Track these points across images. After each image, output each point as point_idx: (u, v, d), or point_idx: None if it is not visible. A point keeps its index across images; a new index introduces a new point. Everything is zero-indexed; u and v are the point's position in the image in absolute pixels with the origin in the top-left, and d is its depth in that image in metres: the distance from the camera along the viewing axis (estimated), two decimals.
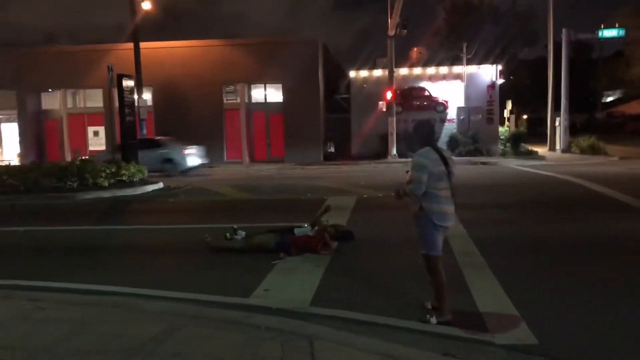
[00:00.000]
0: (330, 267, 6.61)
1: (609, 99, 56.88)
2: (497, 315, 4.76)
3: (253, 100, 28.27)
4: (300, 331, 4.39)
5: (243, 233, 8.02)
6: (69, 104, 28.75)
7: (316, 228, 7.71)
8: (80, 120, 28.26)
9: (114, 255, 7.97)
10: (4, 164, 23.06)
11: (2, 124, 29.27)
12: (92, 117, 27.94)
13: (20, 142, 28.02)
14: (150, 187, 15.58)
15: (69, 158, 26.19)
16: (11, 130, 28.88)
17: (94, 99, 28.12)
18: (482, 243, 7.43)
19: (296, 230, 7.78)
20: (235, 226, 8.20)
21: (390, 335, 4.40)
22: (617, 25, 26.86)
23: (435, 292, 4.78)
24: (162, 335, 4.35)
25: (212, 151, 26.35)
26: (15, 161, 26.15)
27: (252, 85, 28.16)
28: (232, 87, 27.85)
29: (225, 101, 27.81)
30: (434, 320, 4.64)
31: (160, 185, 16.18)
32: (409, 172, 4.75)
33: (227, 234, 8.00)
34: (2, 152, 29.04)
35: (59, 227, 10.18)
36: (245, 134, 27.44)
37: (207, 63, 26.93)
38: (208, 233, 8.17)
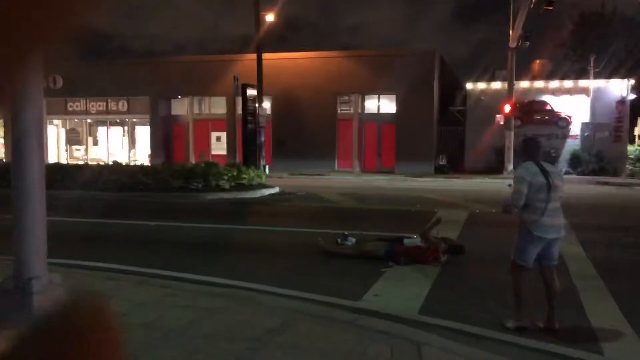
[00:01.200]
0: (439, 279, 6.69)
1: None
2: (614, 339, 4.62)
3: (366, 111, 28.63)
4: (408, 336, 4.55)
5: (353, 239, 8.30)
6: (195, 110, 30.83)
7: (427, 240, 7.81)
8: (205, 125, 30.21)
9: (235, 252, 8.59)
10: (137, 163, 25.29)
11: (136, 127, 32.00)
12: (215, 123, 29.75)
13: (151, 144, 30.46)
14: (267, 191, 16.40)
15: (193, 160, 28.08)
16: (143, 133, 31.48)
17: (218, 106, 29.93)
18: (602, 266, 7.13)
19: (406, 241, 7.93)
20: (346, 232, 8.50)
21: (496, 348, 4.45)
22: None
23: (514, 298, 5.00)
24: (280, 328, 4.72)
25: (324, 160, 27.09)
26: (146, 161, 28.50)
27: (366, 96, 28.54)
28: (346, 98, 28.41)
29: (339, 111, 28.42)
30: (509, 324, 4.87)
31: (277, 189, 16.96)
32: (511, 186, 4.98)
33: (338, 239, 8.31)
34: (135, 152, 31.72)
35: (185, 224, 11.10)
36: (357, 144, 27.86)
37: (322, 73, 27.70)
38: (320, 237, 8.53)
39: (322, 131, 27.44)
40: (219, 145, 29.95)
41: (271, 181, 18.42)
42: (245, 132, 17.86)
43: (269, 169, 22.75)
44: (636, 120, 30.53)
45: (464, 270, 7.25)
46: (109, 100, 30.97)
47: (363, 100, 28.59)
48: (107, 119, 31.74)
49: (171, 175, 15.67)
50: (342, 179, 23.51)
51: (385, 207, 14.02)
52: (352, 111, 28.23)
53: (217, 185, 15.61)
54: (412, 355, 4.12)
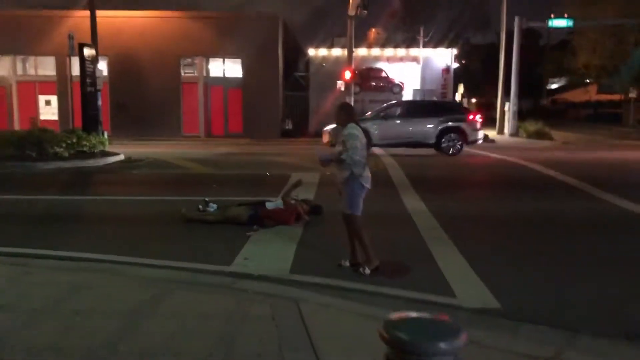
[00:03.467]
0: (303, 239, 7.00)
1: (554, 86, 59.06)
2: (462, 283, 5.27)
3: (211, 75, 28.07)
4: (285, 294, 4.77)
5: (215, 206, 8.29)
6: (19, 71, 27.77)
7: (287, 201, 8.08)
8: (31, 88, 27.36)
9: (90, 224, 8.13)
10: None
11: None
12: (44, 86, 27.11)
13: None
14: (111, 159, 15.51)
15: (17, 127, 25.41)
16: None
17: (46, 67, 27.26)
18: (443, 219, 7.98)
19: (268, 204, 8.10)
20: (207, 199, 8.45)
21: (364, 299, 4.85)
22: (565, 15, 28.00)
23: (362, 245, 5.59)
24: (156, 298, 4.66)
25: (169, 125, 26.16)
26: None
27: (211, 60, 27.92)
28: (190, 60, 27.57)
29: (183, 74, 27.51)
30: (367, 270, 5.49)
31: (122, 157, 16.11)
32: (342, 143, 5.46)
33: (200, 206, 8.24)
34: None
35: (24, 197, 10.15)
36: (203, 109, 27.30)
37: (164, 34, 26.50)
38: (179, 205, 8.39)
39: (166, 95, 26.41)
40: (48, 110, 27.38)
41: (114, 148, 17.42)
42: (84, 95, 16.57)
43: (108, 136, 21.43)
44: (457, 86, 33.70)
45: (324, 229, 7.64)
46: None
47: (208, 64, 27.94)
48: None
49: None
50: (189, 144, 22.96)
51: (240, 172, 14.07)
52: (196, 74, 27.49)
53: (54, 154, 14.38)
54: (293, 312, 4.34)
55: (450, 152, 17.66)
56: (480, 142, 18.71)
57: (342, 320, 4.29)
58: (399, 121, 18.18)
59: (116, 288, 4.96)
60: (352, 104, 25.83)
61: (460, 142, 17.76)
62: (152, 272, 5.49)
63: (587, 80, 34.21)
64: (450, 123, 17.73)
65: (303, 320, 4.16)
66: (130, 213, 8.85)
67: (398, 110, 18.68)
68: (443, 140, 17.66)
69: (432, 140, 17.73)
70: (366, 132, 5.62)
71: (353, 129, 5.50)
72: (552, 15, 27.58)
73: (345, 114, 5.71)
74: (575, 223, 8.24)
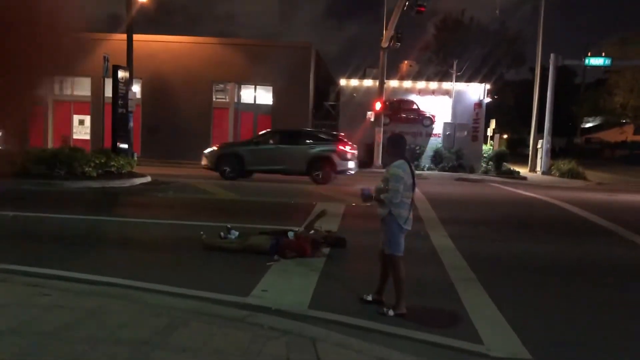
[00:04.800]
0: (324, 271, 6.78)
1: (588, 125, 58.09)
2: (490, 328, 4.97)
3: (242, 101, 28.35)
4: (302, 332, 4.54)
5: (236, 233, 8.15)
6: (56, 91, 28.45)
7: (299, 234, 7.88)
8: (67, 107, 27.99)
9: (110, 246, 8.04)
10: None
11: None
12: (79, 106, 27.71)
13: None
14: (138, 180, 15.58)
15: (51, 145, 25.92)
16: None
17: (81, 88, 27.89)
18: (471, 258, 7.67)
19: (289, 234, 7.94)
20: (229, 225, 8.32)
21: (385, 341, 4.59)
22: (602, 54, 27.59)
23: (396, 288, 5.31)
24: (168, 329, 4.47)
25: (199, 149, 26.31)
26: None
27: (242, 86, 28.24)
28: (222, 86, 27.92)
29: (214, 99, 27.85)
30: (391, 312, 5.20)
31: (149, 178, 16.18)
32: (383, 181, 5.31)
33: (221, 233, 8.11)
34: None
35: (50, 215, 10.17)
36: (232, 134, 27.49)
37: (198, 60, 26.96)
38: (202, 231, 8.27)
39: (197, 119, 26.71)
40: (82, 129, 27.95)
41: (142, 170, 17.54)
42: (115, 116, 16.79)
43: (137, 157, 21.66)
44: (489, 121, 33.31)
45: (347, 263, 7.42)
46: None
47: (239, 90, 28.25)
48: None
49: (30, 160, 14.26)
50: None
51: (264, 199, 13.95)
52: (227, 100, 27.79)
53: (83, 173, 14.51)
54: (309, 352, 4.11)
55: (321, 180, 17.56)
56: (352, 172, 18.40)
57: None
58: (272, 148, 18.15)
59: (130, 315, 4.79)
60: (381, 134, 25.76)
61: (329, 172, 17.67)
62: (168, 300, 5.32)
63: (624, 121, 33.48)
64: (320, 152, 17.76)
65: None
66: (152, 237, 8.76)
67: (272, 138, 18.56)
68: (313, 169, 17.64)
69: (303, 168, 17.75)
70: (413, 172, 5.33)
71: (399, 168, 5.24)
72: (590, 54, 27.18)
73: (396, 147, 5.47)
74: (613, 272, 7.82)
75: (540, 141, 29.38)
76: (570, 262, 8.16)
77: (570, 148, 46.75)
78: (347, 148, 18.23)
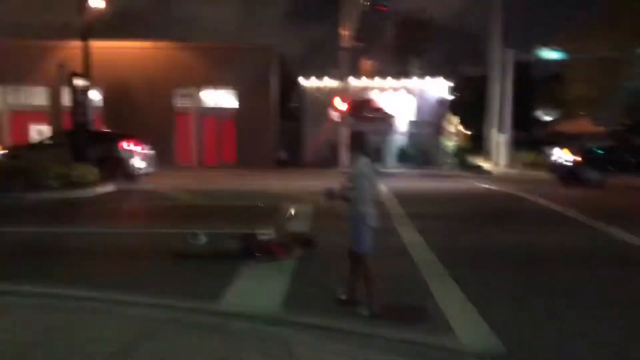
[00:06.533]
0: (296, 273, 6.72)
1: (546, 117, 59.44)
2: (465, 323, 4.98)
3: (205, 105, 28.04)
4: (277, 336, 4.48)
5: (205, 238, 8.00)
6: (11, 100, 27.63)
7: (280, 234, 7.82)
8: (23, 117, 27.16)
9: (74, 258, 7.77)
10: None
11: None
12: (36, 115, 26.91)
13: None
14: (101, 189, 15.20)
15: None
16: None
17: (38, 97, 27.14)
18: (442, 252, 7.71)
19: (259, 236, 7.84)
20: (197, 231, 8.17)
21: (362, 342, 4.56)
22: (557, 47, 28.23)
23: (367, 286, 5.24)
24: (140, 340, 4.34)
25: (162, 155, 25.88)
26: None
27: (205, 90, 27.92)
28: (183, 91, 27.55)
29: (176, 104, 27.48)
30: (366, 312, 5.16)
31: (112, 187, 15.81)
32: (349, 179, 5.28)
33: (190, 239, 7.95)
34: None
35: (8, 228, 9.81)
36: (197, 139, 27.18)
37: (159, 65, 26.58)
38: (169, 238, 8.11)
39: (159, 125, 26.26)
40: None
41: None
42: (75, 125, 16.34)
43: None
44: (452, 118, 33.71)
45: (319, 263, 7.37)
46: None
47: (201, 94, 27.95)
48: None
49: None
50: (182, 174, 22.69)
51: (232, 203, 13.79)
52: (190, 105, 27.46)
53: (43, 184, 14.06)
54: (285, 356, 4.05)
55: (109, 180, 16.14)
56: (142, 172, 17.59)
57: None
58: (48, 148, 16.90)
59: (99, 329, 4.63)
60: (345, 134, 25.80)
61: (117, 171, 16.59)
62: (137, 311, 5.17)
63: (581, 113, 34.39)
64: (105, 152, 16.82)
65: None
66: (117, 246, 8.53)
67: (59, 139, 17.50)
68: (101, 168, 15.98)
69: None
70: (376, 170, 5.33)
71: (364, 166, 5.23)
72: (545, 48, 27.81)
73: (358, 145, 5.44)
74: (580, 258, 7.97)
75: (501, 135, 29.93)
76: (539, 251, 8.30)
77: (530, 141, 47.78)
78: (132, 146, 17.27)
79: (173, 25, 29.90)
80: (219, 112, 27.73)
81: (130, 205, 13.42)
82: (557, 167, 19.44)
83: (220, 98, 28.17)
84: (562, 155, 19.16)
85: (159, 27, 29.31)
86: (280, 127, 28.84)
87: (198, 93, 27.67)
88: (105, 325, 4.72)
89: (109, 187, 15.74)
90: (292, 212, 8.55)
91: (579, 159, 18.28)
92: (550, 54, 27.96)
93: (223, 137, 27.58)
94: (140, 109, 26.16)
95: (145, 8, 32.12)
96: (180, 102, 27.61)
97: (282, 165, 27.05)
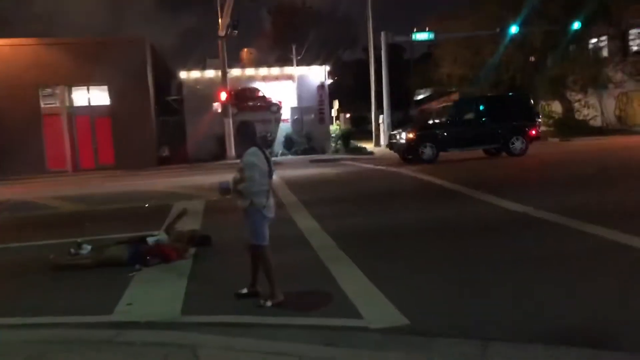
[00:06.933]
0: (193, 273, 6.47)
1: (420, 97, 62.46)
2: (367, 302, 5.05)
3: (76, 104, 26.25)
4: (179, 341, 4.25)
5: (89, 247, 7.45)
6: None
7: (172, 234, 7.49)
8: None
9: None
10: None
11: None
12: None
13: None
14: None
15: None
16: None
17: None
18: (338, 236, 7.79)
19: (149, 239, 7.45)
20: (79, 240, 7.60)
21: (268, 334, 4.46)
22: (427, 29, 29.65)
23: (268, 278, 5.19)
24: None
25: (31, 161, 23.95)
26: None
27: (74, 88, 26.13)
28: (50, 90, 25.58)
29: (42, 105, 25.47)
30: (269, 303, 5.08)
31: None
32: (238, 171, 5.16)
33: (72, 250, 7.36)
34: None
35: None
36: (69, 141, 25.39)
37: (20, 64, 24.45)
38: (49, 251, 7.46)
39: (25, 129, 24.24)
40: None
41: None
42: None
43: None
44: (333, 102, 34.36)
45: (215, 260, 7.16)
46: None
47: (70, 93, 26.13)
48: None
49: None
50: (56, 181, 21.12)
51: (114, 207, 13.03)
52: (58, 105, 25.54)
53: None
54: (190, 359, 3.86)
55: None
56: None
57: None
58: None
59: None
60: (230, 125, 25.38)
61: None
62: (19, 334, 4.70)
63: (452, 90, 36.44)
64: None
65: None
66: None
67: None
68: None
69: None
70: (267, 158, 5.16)
71: (252, 156, 5.06)
72: (415, 30, 29.07)
73: (245, 135, 5.29)
74: (466, 227, 8.42)
75: (381, 116, 30.99)
76: (430, 225, 8.65)
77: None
78: None
79: (34, 21, 27.58)
80: (92, 111, 26.10)
81: (1, 218, 12.23)
82: (396, 146, 20.56)
83: (93, 96, 26.51)
84: (399, 134, 20.27)
85: (19, 24, 26.93)
86: (160, 123, 27.74)
87: (67, 92, 25.82)
88: None
89: None
90: (182, 210, 8.22)
91: (412, 136, 19.39)
92: (421, 35, 29.26)
93: (99, 137, 26.01)
94: (3, 112, 23.94)
95: (1, 4, 29.37)
96: (47, 103, 25.62)
97: (165, 162, 26.04)
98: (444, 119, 20.33)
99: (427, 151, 18.98)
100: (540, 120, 20.51)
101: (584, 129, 28.81)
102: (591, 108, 30.81)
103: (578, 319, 4.45)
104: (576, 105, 31.13)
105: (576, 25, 27.36)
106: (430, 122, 21.64)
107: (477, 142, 19.49)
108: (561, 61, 29.85)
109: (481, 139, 19.41)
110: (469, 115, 19.82)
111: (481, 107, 19.86)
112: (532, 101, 21.18)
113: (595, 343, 3.93)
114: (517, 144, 19.23)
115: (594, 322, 4.37)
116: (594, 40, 31.35)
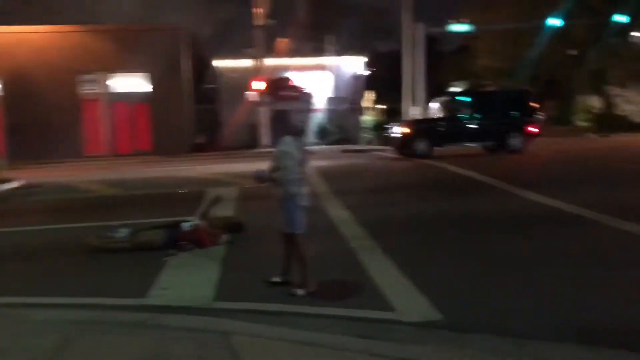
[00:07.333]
0: (226, 260, 6.50)
1: (456, 89, 61.54)
2: (400, 295, 4.99)
3: (114, 90, 26.72)
4: (212, 327, 4.26)
5: (125, 231, 7.58)
6: None
7: (207, 221, 7.55)
8: None
9: None
10: None
11: None
12: None
13: None
14: (6, 186, 14.12)
15: None
16: None
17: None
18: (370, 226, 7.73)
19: (184, 225, 7.52)
20: (114, 223, 7.74)
21: (301, 323, 4.44)
22: (461, 20, 29.13)
23: (301, 266, 5.16)
24: (62, 345, 4.00)
25: (70, 146, 24.51)
26: None
27: (113, 74, 26.58)
28: (90, 77, 26.10)
29: (82, 91, 26.01)
30: (301, 292, 5.05)
31: (17, 182, 14.74)
32: (274, 160, 5.17)
33: (108, 233, 7.50)
34: None
35: None
36: (107, 126, 25.90)
37: (61, 51, 24.97)
38: (85, 233, 7.61)
39: (65, 114, 24.79)
40: None
41: (10, 174, 15.93)
42: None
43: (3, 161, 19.80)
44: (368, 93, 34.15)
45: (248, 247, 7.18)
46: None
47: (109, 79, 26.61)
48: None
49: None
50: (94, 165, 21.57)
51: (151, 191, 13.22)
52: (98, 91, 26.05)
53: None
54: (222, 347, 3.86)
55: None
56: None
57: (278, 351, 3.85)
58: None
59: (11, 337, 4.22)
60: (264, 114, 25.45)
61: None
62: (55, 314, 4.78)
63: (487, 82, 35.83)
64: None
65: (236, 356, 3.69)
66: (28, 246, 7.90)
67: None
68: None
69: None
70: (302, 147, 5.17)
71: (286, 145, 5.08)
72: (452, 21, 28.60)
73: (278, 125, 5.30)
74: (504, 221, 8.25)
75: (416, 108, 30.63)
76: (464, 217, 8.51)
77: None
78: None
79: (74, 8, 28.10)
80: (130, 98, 26.52)
81: (37, 200, 12.54)
82: (392, 140, 20.26)
83: (131, 83, 26.93)
84: (395, 129, 19.98)
85: (60, 11, 27.49)
86: (196, 111, 28.02)
87: (106, 78, 26.30)
88: (19, 333, 4.32)
89: (14, 183, 14.66)
90: (216, 196, 8.27)
91: (407, 131, 19.06)
92: (457, 27, 28.77)
93: (136, 123, 26.43)
94: (44, 98, 24.54)
95: None
96: (87, 89, 26.15)
97: (200, 149, 26.33)
98: (440, 114, 20.01)
99: (421, 146, 18.65)
100: (541, 116, 19.76)
101: (624, 124, 28.01)
102: (632, 103, 29.91)
103: (618, 320, 4.30)
104: (616, 100, 30.27)
105: (624, 18, 26.46)
106: (426, 117, 21.26)
107: (471, 138, 19.12)
108: (604, 55, 29.01)
109: (476, 135, 19.01)
110: (465, 111, 19.38)
111: (477, 102, 19.42)
112: (532, 96, 20.41)
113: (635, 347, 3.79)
114: (513, 141, 18.71)
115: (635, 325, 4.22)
116: (637, 34, 30.35)
